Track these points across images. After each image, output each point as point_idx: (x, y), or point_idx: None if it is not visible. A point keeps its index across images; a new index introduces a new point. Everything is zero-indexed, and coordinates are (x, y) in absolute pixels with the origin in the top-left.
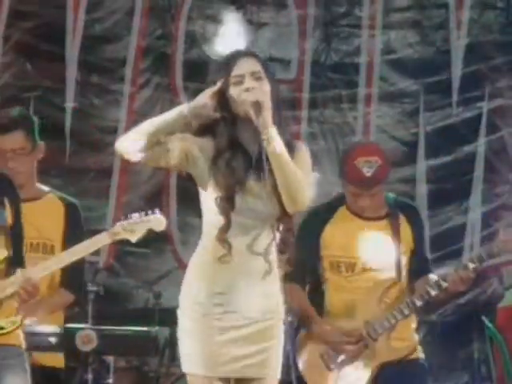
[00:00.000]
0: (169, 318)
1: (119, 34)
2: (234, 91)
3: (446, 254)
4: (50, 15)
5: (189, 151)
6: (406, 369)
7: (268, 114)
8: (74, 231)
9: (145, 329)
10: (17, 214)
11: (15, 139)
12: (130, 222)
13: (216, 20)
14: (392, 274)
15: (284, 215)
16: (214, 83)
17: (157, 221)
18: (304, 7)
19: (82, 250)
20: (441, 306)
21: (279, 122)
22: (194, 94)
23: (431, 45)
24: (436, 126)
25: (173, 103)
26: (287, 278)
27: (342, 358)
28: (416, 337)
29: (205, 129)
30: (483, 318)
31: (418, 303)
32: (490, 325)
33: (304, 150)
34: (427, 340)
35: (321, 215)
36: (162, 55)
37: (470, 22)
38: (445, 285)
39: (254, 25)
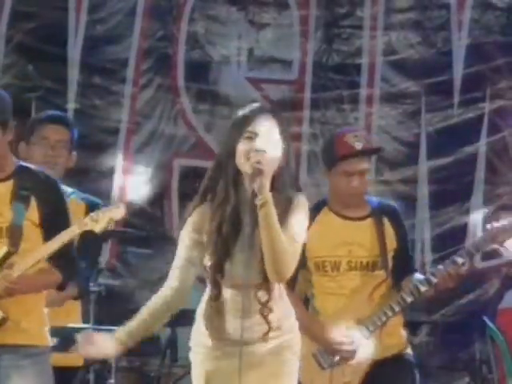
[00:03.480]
0: (170, 318)
1: (121, 35)
2: (243, 146)
3: (447, 254)
4: (51, 16)
5: (193, 243)
6: (396, 365)
7: (266, 180)
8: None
9: None
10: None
11: (62, 132)
12: (97, 212)
13: (218, 21)
14: (378, 271)
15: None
16: (216, 83)
17: (116, 210)
18: (306, 8)
19: (55, 242)
20: (440, 305)
21: (286, 181)
22: (195, 94)
23: (432, 46)
24: (437, 127)
25: (174, 104)
26: None
27: (336, 357)
28: (404, 333)
29: (206, 191)
30: (485, 318)
31: (409, 299)
32: (491, 325)
33: (302, 205)
34: (428, 340)
35: None
36: (163, 56)
37: (471, 23)
38: (434, 281)
39: (256, 25)
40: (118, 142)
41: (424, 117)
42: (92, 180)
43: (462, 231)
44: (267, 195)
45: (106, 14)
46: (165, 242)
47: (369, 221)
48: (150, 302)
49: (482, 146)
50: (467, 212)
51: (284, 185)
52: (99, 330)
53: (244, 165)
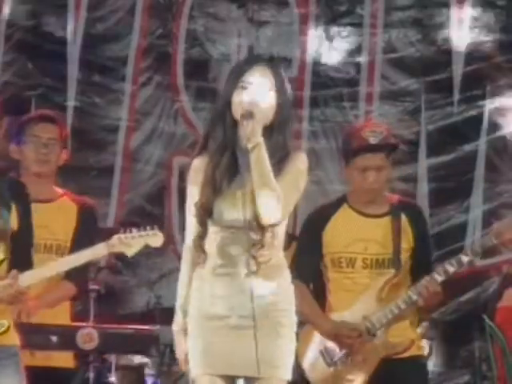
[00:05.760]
0: (170, 317)
1: (120, 33)
2: (236, 95)
3: (446, 252)
4: (51, 14)
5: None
6: (404, 366)
7: (257, 124)
8: (85, 233)
9: (146, 328)
10: (25, 218)
11: (53, 129)
12: (128, 235)
13: (217, 18)
14: (390, 269)
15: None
16: (216, 81)
17: (154, 237)
18: (305, 5)
19: (75, 259)
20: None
21: (283, 137)
22: (195, 92)
23: (432, 43)
24: (437, 125)
25: (174, 102)
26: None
27: (341, 353)
28: (415, 333)
29: (205, 141)
30: (484, 316)
31: (414, 297)
32: (491, 323)
33: (299, 162)
34: (428, 338)
35: (323, 214)
36: (163, 54)
37: (471, 21)
38: (440, 279)
39: (256, 23)
40: (117, 140)
41: (424, 115)
42: (92, 178)
43: (461, 229)
44: (258, 139)
45: (105, 11)
46: (164, 241)
47: (387, 218)
48: (180, 274)
49: (481, 144)
50: (467, 210)
51: (280, 135)
52: (99, 328)
53: (238, 114)
